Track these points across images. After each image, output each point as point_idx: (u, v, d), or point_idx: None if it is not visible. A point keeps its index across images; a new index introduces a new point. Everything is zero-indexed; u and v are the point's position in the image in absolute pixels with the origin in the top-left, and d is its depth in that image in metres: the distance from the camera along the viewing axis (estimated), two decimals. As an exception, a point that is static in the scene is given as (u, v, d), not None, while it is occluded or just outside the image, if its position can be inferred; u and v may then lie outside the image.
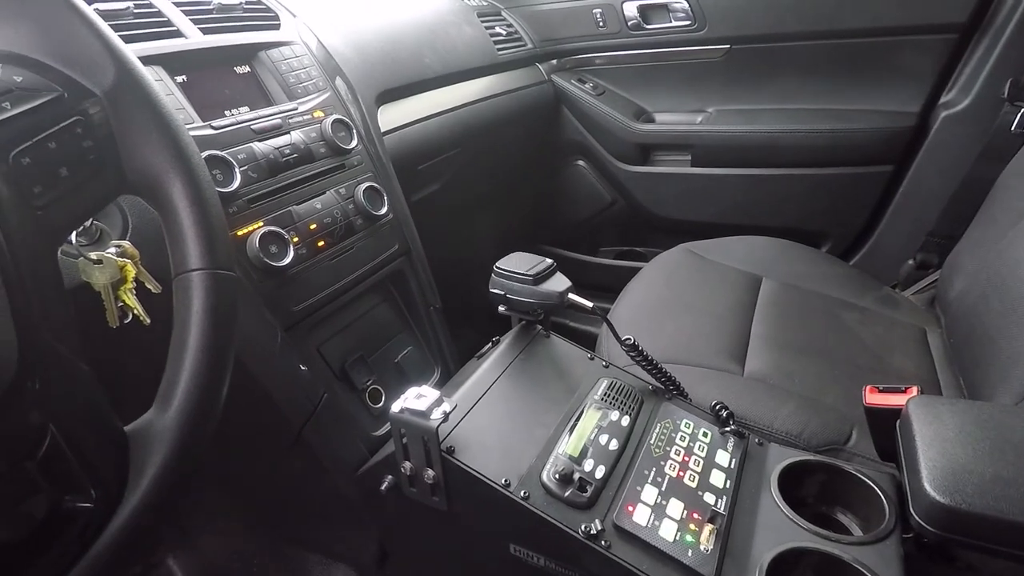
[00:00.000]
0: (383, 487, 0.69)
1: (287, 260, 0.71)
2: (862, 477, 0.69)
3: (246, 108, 0.77)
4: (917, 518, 0.52)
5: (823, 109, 1.34)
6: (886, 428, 0.66)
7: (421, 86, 1.11)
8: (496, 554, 0.66)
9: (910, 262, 1.27)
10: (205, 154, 0.66)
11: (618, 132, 1.49)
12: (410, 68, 1.09)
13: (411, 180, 1.09)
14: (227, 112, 0.74)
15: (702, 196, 1.46)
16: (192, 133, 0.68)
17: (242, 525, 0.99)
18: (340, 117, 0.84)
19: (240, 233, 0.69)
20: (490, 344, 0.82)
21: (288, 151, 0.76)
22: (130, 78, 0.38)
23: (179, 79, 0.71)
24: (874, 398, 0.68)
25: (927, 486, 0.51)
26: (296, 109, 0.80)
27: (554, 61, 1.56)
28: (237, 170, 0.69)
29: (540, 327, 0.84)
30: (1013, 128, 1.10)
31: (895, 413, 0.64)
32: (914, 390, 0.66)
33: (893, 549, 0.62)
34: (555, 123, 1.55)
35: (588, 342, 0.94)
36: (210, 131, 0.70)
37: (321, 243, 0.77)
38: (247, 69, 0.79)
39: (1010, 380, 0.79)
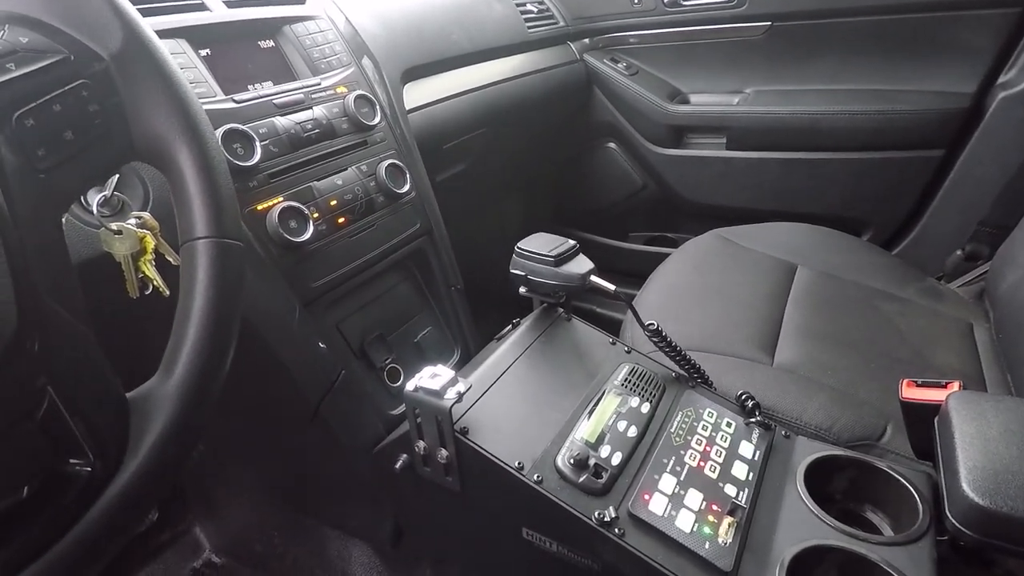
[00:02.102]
0: (397, 466, 0.69)
1: (307, 236, 0.71)
2: (895, 475, 0.66)
3: (270, 83, 0.77)
4: (953, 520, 0.49)
5: (869, 90, 1.27)
6: (923, 424, 0.62)
7: (448, 64, 1.09)
8: (509, 537, 0.66)
9: (958, 252, 1.21)
10: (226, 127, 0.66)
11: (651, 114, 1.44)
12: (437, 45, 1.07)
13: (436, 160, 1.08)
14: (250, 86, 0.74)
15: (737, 180, 1.41)
16: (214, 107, 0.68)
17: (264, 499, 1.01)
18: (363, 93, 0.83)
19: (260, 208, 0.69)
20: (510, 326, 0.80)
21: (310, 126, 0.75)
22: (138, 43, 0.37)
23: (203, 52, 0.71)
24: (911, 392, 0.64)
25: (965, 487, 0.48)
26: (319, 84, 0.79)
27: (586, 40, 1.52)
28: (258, 144, 0.69)
29: (561, 310, 0.83)
30: (1078, 110, 1.02)
31: (934, 409, 0.61)
32: (955, 385, 0.62)
33: (926, 551, 0.59)
34: (586, 104, 1.51)
35: (612, 328, 0.92)
36: (232, 105, 0.70)
37: (341, 220, 0.76)
38: (271, 43, 0.79)
39: (1062, 379, 0.74)
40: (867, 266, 1.13)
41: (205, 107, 0.66)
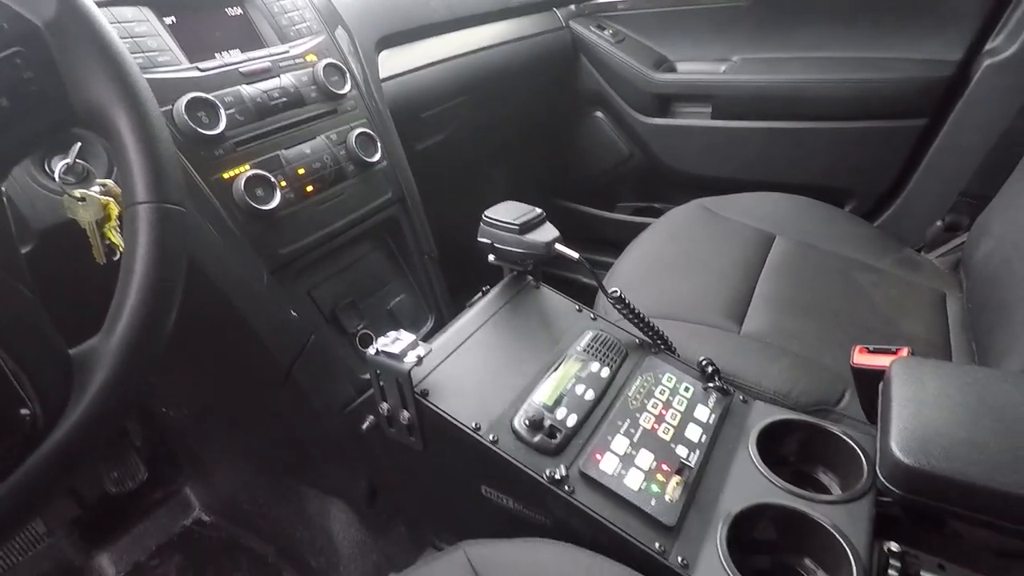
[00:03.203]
0: (364, 426, 0.72)
1: (274, 204, 0.72)
2: (843, 437, 0.68)
3: (237, 51, 0.77)
4: (881, 478, 0.51)
5: (854, 58, 1.26)
6: (872, 389, 0.64)
7: (426, 31, 1.08)
8: (470, 495, 0.68)
9: (938, 223, 1.20)
10: (190, 96, 0.67)
11: (637, 82, 1.43)
12: (413, 12, 1.06)
13: (414, 129, 1.08)
14: (217, 55, 0.74)
15: (722, 151, 1.40)
16: (178, 75, 0.69)
17: (248, 460, 1.05)
18: (333, 61, 0.83)
19: (226, 176, 0.70)
20: (480, 294, 0.82)
21: (277, 95, 0.76)
22: (72, 10, 0.38)
23: (168, 20, 0.71)
24: (862, 358, 0.66)
25: (893, 446, 0.50)
26: (287, 53, 0.80)
27: (572, 7, 1.50)
28: (223, 113, 0.70)
29: (530, 278, 0.84)
30: (1061, 78, 1.01)
31: (880, 374, 0.62)
32: (904, 351, 0.63)
33: (865, 510, 0.61)
34: (572, 72, 1.50)
35: (590, 296, 0.93)
36: (197, 73, 0.70)
37: (310, 188, 0.77)
38: (239, 11, 0.79)
39: (1019, 347, 0.75)
40: (846, 236, 1.13)
41: (168, 76, 0.68)
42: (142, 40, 0.66)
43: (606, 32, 1.47)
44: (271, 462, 1.02)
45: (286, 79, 0.78)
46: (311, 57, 0.82)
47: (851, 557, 0.56)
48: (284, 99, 0.77)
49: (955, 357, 0.89)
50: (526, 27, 1.34)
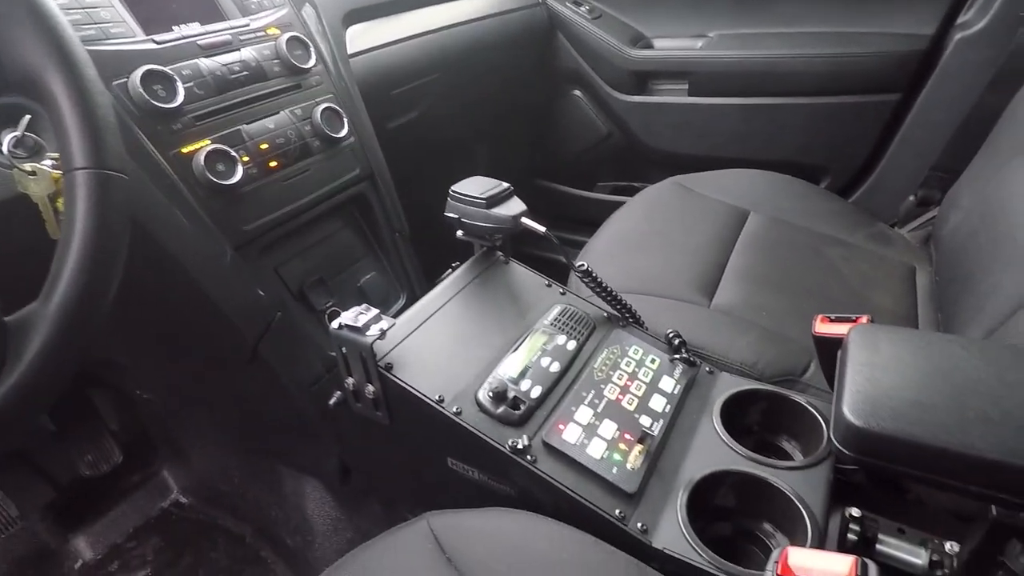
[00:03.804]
0: (331, 402, 0.72)
1: (235, 179, 0.71)
2: (805, 405, 0.69)
3: (197, 24, 0.75)
4: (835, 441, 0.52)
5: (828, 32, 1.26)
6: (832, 357, 0.64)
7: (395, 6, 1.07)
8: (437, 467, 0.69)
9: (911, 198, 1.22)
10: (144, 68, 0.66)
11: (614, 59, 1.42)
12: (383, -14, 1.05)
13: (384, 106, 1.07)
14: (175, 27, 0.73)
15: (699, 127, 1.40)
16: (132, 47, 0.67)
17: (223, 440, 1.05)
18: (297, 35, 0.82)
19: (185, 151, 0.69)
20: (449, 270, 0.82)
21: (238, 68, 0.75)
22: (-1, -29, 0.37)
23: (122, -9, 0.69)
24: (823, 327, 0.66)
25: (845, 409, 0.50)
26: (248, 25, 0.78)
27: (549, -18, 1.48)
28: (181, 86, 0.68)
29: (500, 253, 0.84)
30: (1030, 50, 1.01)
31: (840, 342, 0.63)
32: (863, 319, 0.64)
33: (823, 474, 0.62)
34: (549, 50, 1.49)
35: (566, 274, 0.93)
36: (152, 45, 0.69)
37: (274, 163, 0.76)
38: (198, -18, 0.77)
39: (982, 315, 0.76)
40: (819, 212, 1.14)
41: (122, 48, 0.67)
42: (94, 11, 0.65)
43: (582, 8, 1.45)
44: (245, 442, 1.02)
45: (247, 52, 0.76)
46: (273, 30, 0.81)
47: (807, 520, 0.57)
48: (245, 73, 0.75)
49: (921, 328, 0.90)
50: (500, 3, 1.33)
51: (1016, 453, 0.43)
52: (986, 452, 0.44)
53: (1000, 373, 0.50)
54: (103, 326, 0.40)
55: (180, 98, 0.68)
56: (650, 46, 1.44)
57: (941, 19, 1.16)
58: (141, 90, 0.65)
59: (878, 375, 0.52)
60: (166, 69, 0.68)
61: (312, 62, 0.83)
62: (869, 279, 0.99)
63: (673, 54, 1.39)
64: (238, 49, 0.76)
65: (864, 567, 0.42)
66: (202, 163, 0.69)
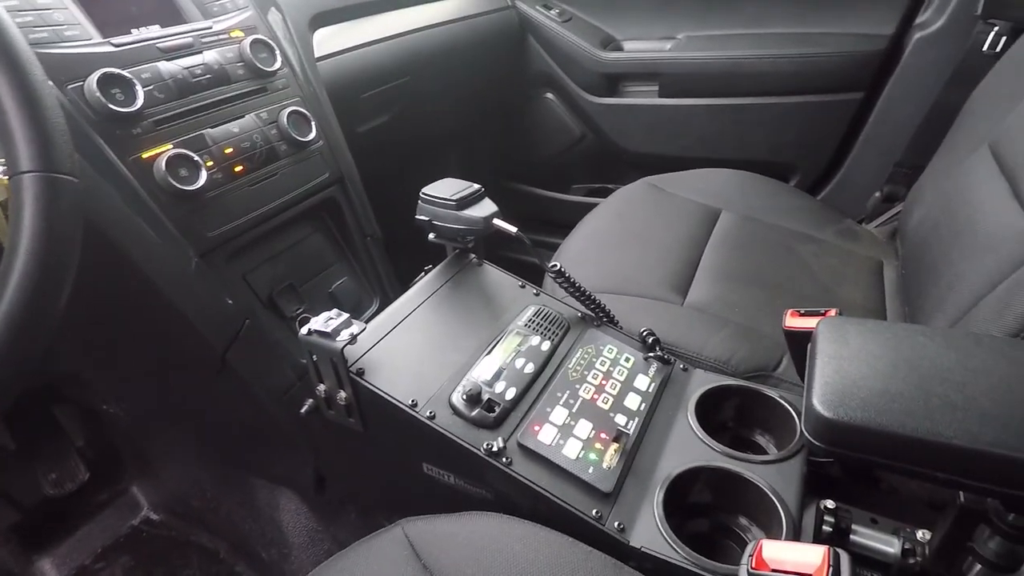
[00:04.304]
0: (303, 410, 0.70)
1: (199, 184, 0.69)
2: (778, 399, 0.69)
3: (157, 26, 0.74)
4: (806, 433, 0.52)
5: (793, 33, 1.28)
6: (803, 350, 0.65)
7: (363, 9, 1.06)
8: (412, 473, 0.68)
9: (877, 194, 1.24)
10: (101, 72, 0.64)
11: (585, 62, 1.43)
12: (350, -11, 1.04)
13: (354, 109, 1.06)
14: (134, 30, 0.71)
15: (670, 129, 1.41)
16: (87, 50, 0.66)
17: (193, 453, 1.02)
18: (261, 38, 0.81)
19: (146, 156, 0.67)
20: (422, 273, 0.81)
21: (200, 71, 0.73)
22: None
23: (77, -8, 0.68)
24: (793, 321, 0.67)
25: (814, 400, 0.50)
26: (210, 28, 0.77)
27: (519, -14, 1.49)
28: (140, 90, 0.67)
29: (473, 256, 0.83)
30: (985, 48, 1.04)
31: (810, 335, 0.63)
32: (831, 312, 0.65)
33: (796, 467, 0.62)
34: (521, 53, 1.49)
35: (541, 276, 0.93)
36: (109, 48, 0.67)
37: (239, 168, 0.75)
38: (157, -16, 0.76)
39: (946, 306, 0.78)
40: (789, 210, 1.16)
41: (78, 51, 0.65)
42: (46, 13, 0.63)
43: (552, 12, 1.46)
44: (217, 454, 0.99)
45: (210, 55, 0.75)
46: (237, 33, 0.79)
47: (782, 513, 0.57)
48: (208, 76, 0.74)
49: (889, 320, 0.92)
50: (470, 6, 1.33)
51: (979, 439, 0.44)
52: (952, 439, 0.44)
53: (963, 361, 0.51)
54: (65, 337, 0.38)
55: (139, 102, 0.66)
56: (620, 48, 1.45)
57: (900, 19, 1.19)
58: (98, 94, 0.63)
59: (846, 366, 0.53)
60: (124, 72, 0.66)
61: (277, 65, 0.81)
62: (838, 274, 1.00)
63: (643, 56, 1.41)
64: (200, 52, 0.74)
65: (836, 557, 0.42)
66: (164, 168, 0.67)
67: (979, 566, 0.51)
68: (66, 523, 1.07)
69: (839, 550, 0.43)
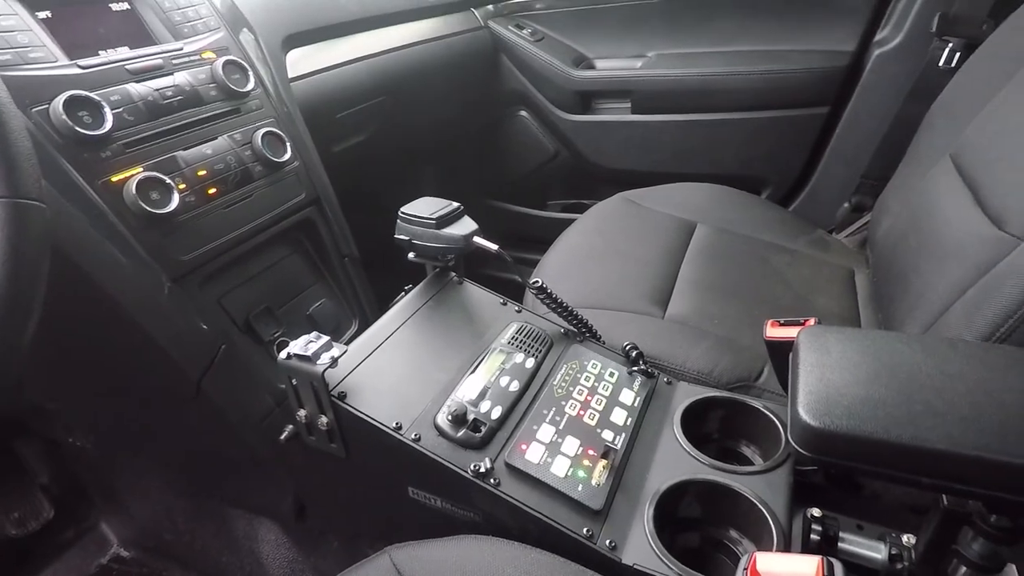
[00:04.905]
0: (283, 436, 0.68)
1: (171, 207, 0.68)
2: (762, 410, 0.70)
3: (126, 48, 0.72)
4: (792, 442, 0.52)
5: (760, 51, 1.32)
6: (784, 360, 0.65)
7: (337, 30, 1.06)
8: (398, 499, 0.66)
9: (845, 205, 1.28)
10: (67, 94, 0.62)
11: (557, 80, 1.45)
12: (322, 11, 1.03)
13: (330, 129, 1.05)
14: (102, 52, 0.70)
15: (643, 144, 1.44)
16: (53, 72, 0.64)
17: (165, 484, 0.98)
18: (234, 59, 0.80)
19: (115, 179, 0.65)
20: (402, 293, 0.80)
21: (171, 93, 0.72)
22: None
23: (41, 15, 0.66)
24: (774, 331, 0.68)
25: (800, 410, 0.51)
26: (181, 49, 0.75)
27: (490, 7, 1.50)
28: (109, 112, 0.65)
29: (454, 274, 0.83)
30: (941, 64, 1.08)
31: (791, 344, 0.64)
32: (811, 321, 0.66)
33: (783, 477, 0.62)
34: (494, 72, 1.50)
35: (522, 293, 0.93)
36: (76, 71, 0.65)
37: (213, 190, 0.73)
38: (126, 5, 0.74)
39: (916, 313, 0.80)
40: (762, 221, 1.18)
41: (43, 73, 0.63)
42: (10, 35, 0.61)
43: (525, 31, 1.48)
44: (191, 485, 0.96)
45: (181, 77, 0.74)
46: (209, 54, 0.78)
47: (771, 523, 0.57)
48: (180, 98, 0.73)
49: (863, 327, 0.94)
50: (443, 27, 1.33)
51: (960, 442, 0.45)
52: (934, 443, 0.45)
53: (941, 366, 0.52)
54: (32, 368, 0.37)
55: (108, 124, 0.65)
56: (592, 67, 1.48)
57: (860, 36, 1.23)
58: (64, 117, 0.61)
59: (829, 375, 0.54)
60: (92, 95, 0.64)
61: (251, 86, 0.80)
62: (812, 283, 1.02)
63: (614, 74, 1.43)
64: (171, 73, 0.73)
65: (830, 566, 0.42)
66: (134, 192, 0.65)
67: (964, 568, 0.51)
68: (31, 564, 1.02)
69: (832, 560, 0.43)
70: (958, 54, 1.08)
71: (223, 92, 0.78)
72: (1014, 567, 0.74)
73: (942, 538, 0.53)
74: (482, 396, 0.65)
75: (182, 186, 0.70)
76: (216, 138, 0.75)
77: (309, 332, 0.63)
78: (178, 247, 0.70)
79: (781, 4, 1.31)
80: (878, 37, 1.22)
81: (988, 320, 0.63)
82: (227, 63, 0.79)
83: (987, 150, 0.81)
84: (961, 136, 0.88)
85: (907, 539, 0.56)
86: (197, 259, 0.72)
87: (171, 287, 0.68)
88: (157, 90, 0.71)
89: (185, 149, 0.72)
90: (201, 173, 0.72)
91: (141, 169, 0.67)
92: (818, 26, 1.28)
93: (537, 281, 0.76)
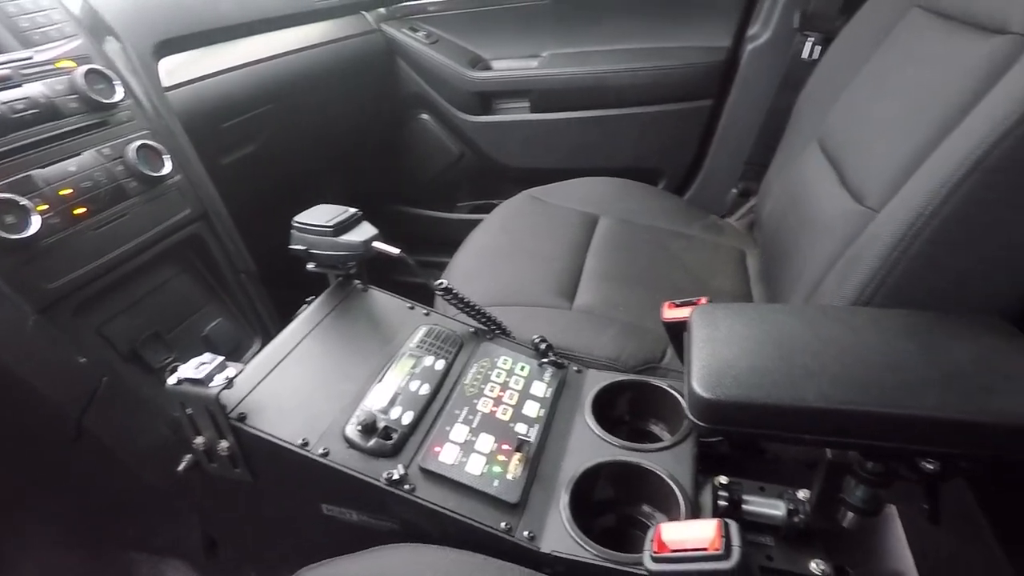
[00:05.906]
0: (180, 467, 0.64)
1: (30, 232, 0.62)
2: (666, 388, 0.73)
3: (-34, 58, 0.65)
4: (690, 415, 0.55)
5: (645, 48, 1.38)
6: (681, 339, 0.69)
7: (216, 35, 1.00)
8: (312, 517, 0.64)
9: (734, 191, 1.36)
10: None
11: (455, 81, 1.45)
12: (199, 14, 0.97)
13: (215, 140, 1.00)
14: (-65, 63, 0.63)
15: (543, 142, 1.47)
16: None
17: (57, 538, 0.89)
18: (97, 67, 0.74)
19: (-40, 204, 0.59)
20: (304, 305, 0.77)
21: (22, 106, 0.65)
22: None
23: None
24: (670, 313, 0.71)
25: (693, 383, 0.54)
26: (31, 59, 0.69)
27: (383, 10, 1.48)
28: (-54, 129, 0.59)
29: (358, 282, 0.81)
30: (804, 56, 1.18)
31: (685, 324, 0.68)
32: (703, 301, 0.69)
33: (688, 450, 0.65)
34: (391, 75, 1.48)
35: (432, 296, 0.92)
36: (-98, 84, 0.58)
37: (81, 210, 0.68)
38: (-40, 12, 0.67)
39: (798, 286, 0.86)
40: (660, 210, 1.23)
41: None
42: None
43: (419, 34, 1.47)
44: (86, 532, 0.87)
45: (33, 88, 0.67)
46: (66, 63, 0.72)
47: (679, 494, 0.60)
48: (33, 111, 0.66)
49: (756, 303, 1.00)
50: (334, 31, 1.30)
51: (833, 399, 0.49)
52: (811, 402, 0.49)
53: (816, 331, 0.57)
54: None
55: (-54, 144, 0.58)
56: (489, 67, 1.49)
57: (734, 32, 1.32)
58: None
59: (719, 349, 0.57)
60: (-77, 112, 0.58)
61: (118, 96, 0.75)
62: (708, 266, 1.08)
63: (511, 74, 1.45)
64: (20, 85, 0.67)
65: (727, 527, 0.44)
66: (-16, 217, 0.59)
67: (851, 514, 0.56)
68: None
69: (729, 520, 0.45)
70: (818, 47, 1.18)
71: (86, 104, 0.72)
72: (895, 508, 0.81)
73: (830, 489, 0.57)
74: (392, 403, 0.64)
75: (43, 207, 0.64)
76: (80, 153, 0.70)
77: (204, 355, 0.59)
78: (43, 274, 0.63)
79: (661, 4, 1.38)
80: (750, 33, 1.31)
81: (854, 286, 0.69)
82: (90, 72, 0.73)
83: (845, 134, 0.89)
84: (825, 122, 0.96)
85: (803, 494, 0.61)
86: (67, 286, 0.65)
87: (37, 319, 0.62)
88: (5, 103, 0.64)
89: (43, 167, 0.66)
90: (65, 192, 0.66)
91: (-9, 191, 0.61)
92: (698, 24, 1.36)
93: (442, 282, 0.75)
